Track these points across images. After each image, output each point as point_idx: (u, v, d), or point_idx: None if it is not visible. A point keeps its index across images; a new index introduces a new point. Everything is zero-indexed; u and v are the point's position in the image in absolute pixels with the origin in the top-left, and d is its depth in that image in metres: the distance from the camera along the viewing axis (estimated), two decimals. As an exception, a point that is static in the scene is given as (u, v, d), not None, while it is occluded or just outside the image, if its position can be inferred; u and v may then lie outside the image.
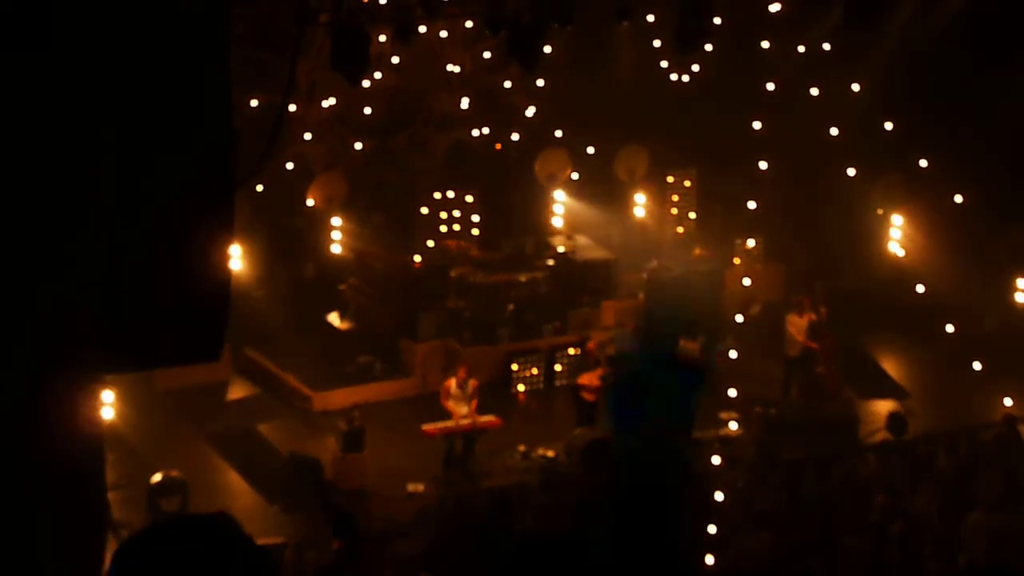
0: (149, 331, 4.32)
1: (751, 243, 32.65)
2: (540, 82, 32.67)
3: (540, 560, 3.63)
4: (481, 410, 25.29)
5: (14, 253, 4.01)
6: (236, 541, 3.58)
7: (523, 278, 29.74)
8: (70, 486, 4.16)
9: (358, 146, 32.40)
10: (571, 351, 28.41)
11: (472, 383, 25.17)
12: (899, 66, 30.44)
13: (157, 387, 25.42)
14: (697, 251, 31.76)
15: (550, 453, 25.32)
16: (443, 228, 32.04)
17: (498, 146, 33.79)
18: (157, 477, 22.47)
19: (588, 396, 25.78)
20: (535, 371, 28.61)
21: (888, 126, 32.46)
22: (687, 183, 33.70)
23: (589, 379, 25.86)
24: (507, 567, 3.63)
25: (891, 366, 29.57)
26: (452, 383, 25.20)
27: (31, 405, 4.04)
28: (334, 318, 30.15)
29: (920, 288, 30.68)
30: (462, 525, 21.66)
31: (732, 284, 31.63)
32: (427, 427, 25.19)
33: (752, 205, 33.12)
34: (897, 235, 31.87)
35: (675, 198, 33.74)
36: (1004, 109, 28.52)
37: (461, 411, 24.97)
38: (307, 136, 31.41)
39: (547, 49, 26.29)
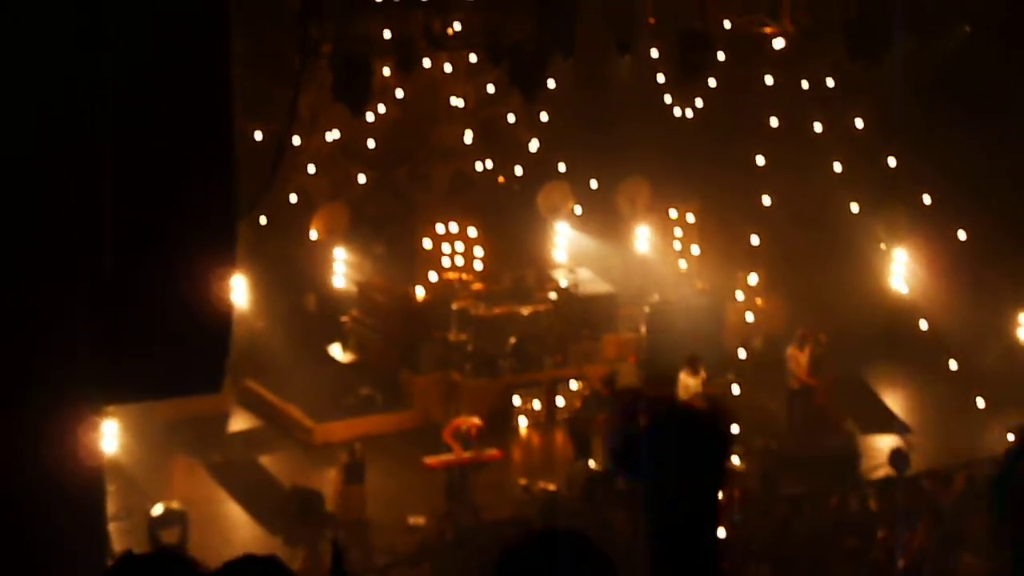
0: (151, 363, 4.32)
1: (753, 277, 32.61)
2: (543, 115, 32.69)
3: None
4: (482, 443, 25.30)
5: (17, 288, 4.01)
6: None
7: (525, 311, 29.70)
8: (72, 517, 4.15)
9: (361, 178, 32.40)
10: (575, 384, 28.40)
11: (471, 432, 25.13)
12: (903, 100, 30.49)
13: (158, 418, 25.36)
14: (699, 285, 31.74)
15: (551, 486, 25.28)
16: (445, 261, 32.03)
17: (501, 179, 33.80)
18: (157, 509, 22.42)
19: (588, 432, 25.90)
20: (538, 404, 28.55)
21: (891, 161, 32.47)
22: (690, 217, 33.68)
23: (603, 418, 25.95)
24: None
25: (894, 401, 29.50)
26: (460, 426, 25.18)
27: (34, 438, 4.03)
28: (336, 350, 30.12)
29: (923, 323, 30.66)
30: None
31: (734, 318, 31.57)
32: (429, 459, 25.16)
33: (755, 239, 33.10)
34: (900, 269, 31.83)
35: (678, 232, 33.72)
36: (1008, 144, 28.50)
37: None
38: (310, 168, 31.41)
39: (550, 83, 26.32)
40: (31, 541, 4.11)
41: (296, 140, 29.09)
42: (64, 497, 4.12)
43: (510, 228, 32.45)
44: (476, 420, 25.29)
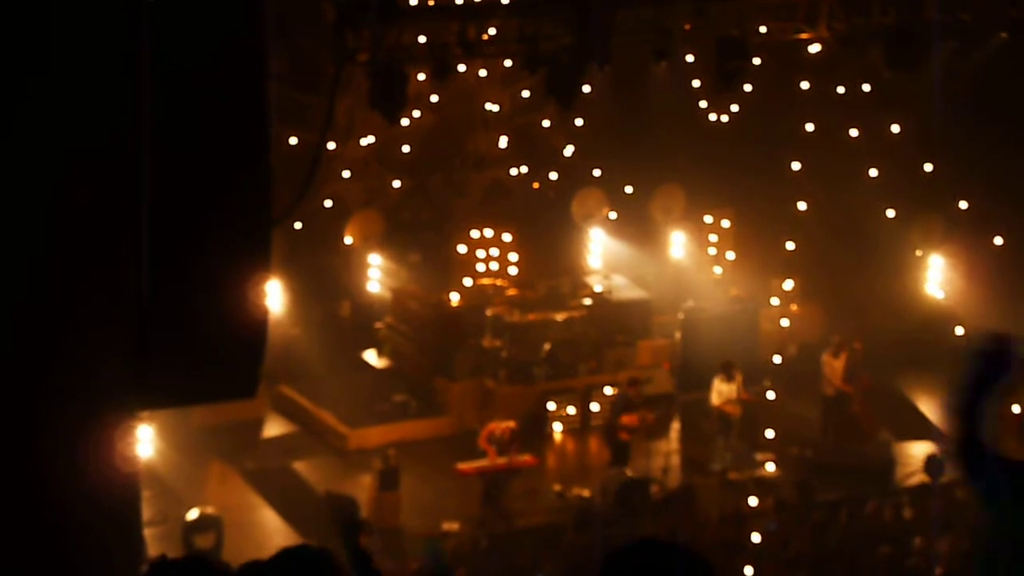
0: (186, 368, 4.32)
1: (788, 284, 32.53)
2: (579, 121, 32.65)
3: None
4: (517, 449, 25.28)
5: (51, 294, 4.02)
6: None
7: (560, 317, 29.70)
8: (107, 522, 4.16)
9: (396, 184, 32.42)
10: (610, 390, 28.36)
11: (506, 435, 25.06)
12: (939, 107, 30.37)
13: (193, 424, 25.42)
14: (734, 291, 31.67)
15: (586, 493, 25.26)
16: (480, 267, 32.04)
17: (536, 185, 33.78)
18: (192, 514, 22.47)
19: (625, 435, 25.78)
20: (572, 410, 28.51)
21: (928, 167, 32.36)
22: (725, 223, 33.62)
23: (630, 419, 25.83)
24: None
25: (929, 408, 29.35)
26: (495, 430, 25.11)
27: (70, 444, 4.04)
28: (370, 356, 30.16)
29: (959, 329, 30.53)
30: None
31: (769, 325, 31.48)
32: (463, 466, 25.16)
33: (790, 246, 33.02)
34: (936, 276, 31.73)
35: (713, 238, 33.67)
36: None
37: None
38: (345, 174, 31.44)
39: (586, 89, 26.27)
40: (67, 546, 4.12)
41: (331, 146, 29.15)
42: (100, 502, 4.13)
43: (545, 234, 32.43)
44: (511, 424, 25.25)
